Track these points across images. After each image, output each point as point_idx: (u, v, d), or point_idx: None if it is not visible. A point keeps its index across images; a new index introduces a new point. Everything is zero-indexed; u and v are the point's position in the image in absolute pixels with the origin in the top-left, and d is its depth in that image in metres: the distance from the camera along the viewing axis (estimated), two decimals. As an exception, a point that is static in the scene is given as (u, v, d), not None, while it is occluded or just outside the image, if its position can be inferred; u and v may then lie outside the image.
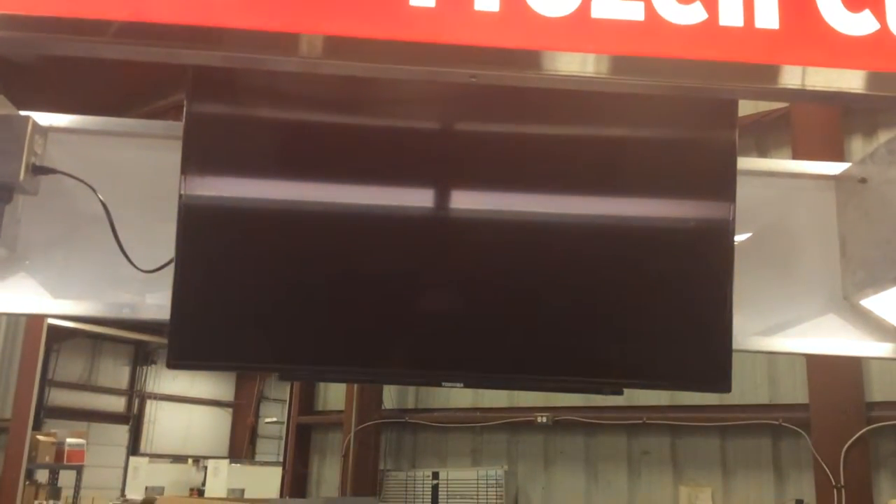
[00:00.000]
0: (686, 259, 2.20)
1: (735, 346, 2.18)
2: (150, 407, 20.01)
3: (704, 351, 2.14)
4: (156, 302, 2.25)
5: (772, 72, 1.53)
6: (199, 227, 2.12)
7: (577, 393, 2.29)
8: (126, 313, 2.26)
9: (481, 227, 2.20)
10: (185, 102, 2.16)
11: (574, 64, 1.54)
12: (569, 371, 2.13)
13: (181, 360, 2.11)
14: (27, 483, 10.28)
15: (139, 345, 19.42)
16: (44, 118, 2.26)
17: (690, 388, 2.26)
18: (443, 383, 2.18)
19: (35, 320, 10.05)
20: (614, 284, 2.19)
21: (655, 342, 2.16)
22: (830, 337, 2.37)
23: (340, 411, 9.15)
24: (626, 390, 7.03)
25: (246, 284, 2.15)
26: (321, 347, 2.15)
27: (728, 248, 2.16)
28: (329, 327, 2.16)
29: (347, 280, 2.18)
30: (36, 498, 10.53)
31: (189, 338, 2.10)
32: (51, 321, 10.27)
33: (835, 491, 6.15)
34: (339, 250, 2.19)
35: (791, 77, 1.53)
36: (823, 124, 6.70)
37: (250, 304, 2.14)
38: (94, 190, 2.19)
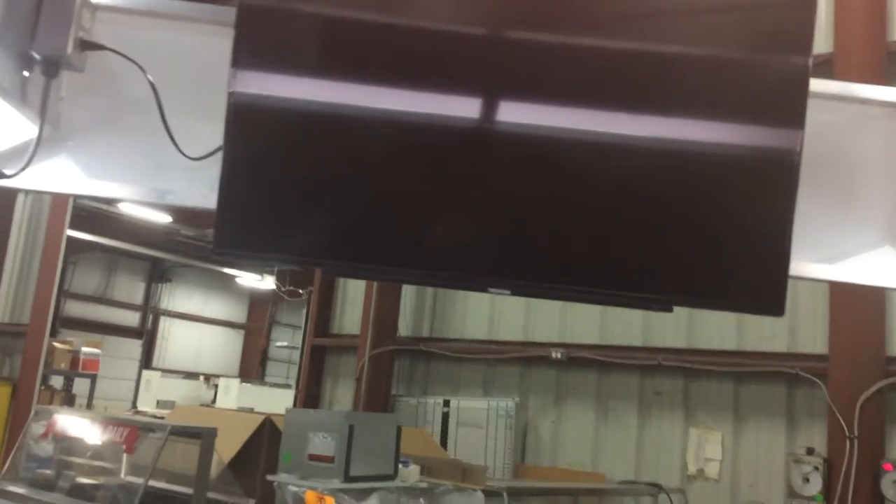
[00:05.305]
0: (748, 179, 2.11)
1: (790, 272, 2.11)
2: (164, 323, 20.26)
3: (760, 272, 2.07)
4: (200, 191, 2.20)
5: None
6: (248, 123, 2.06)
7: (626, 307, 2.24)
8: (170, 199, 2.21)
9: (532, 137, 2.13)
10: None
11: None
12: (618, 284, 2.07)
13: (226, 248, 2.07)
14: (42, 388, 10.45)
15: (155, 261, 19.55)
16: (92, -7, 2.17)
17: (742, 309, 2.20)
18: (489, 289, 2.13)
19: (55, 229, 10.09)
20: (669, 200, 2.12)
21: (709, 260, 2.10)
22: (888, 269, 2.30)
23: (355, 336, 9.22)
24: (642, 331, 7.04)
25: (293, 180, 2.09)
26: (364, 245, 2.10)
27: (793, 171, 2.08)
28: (373, 226, 2.11)
29: (393, 181, 2.12)
30: (51, 402, 10.71)
31: (234, 227, 2.05)
32: (70, 233, 10.31)
33: (847, 441, 6.18)
34: (386, 152, 2.12)
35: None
36: (866, 70, 6.54)
37: (296, 198, 2.09)
38: (142, 69, 2.12)
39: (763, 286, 2.07)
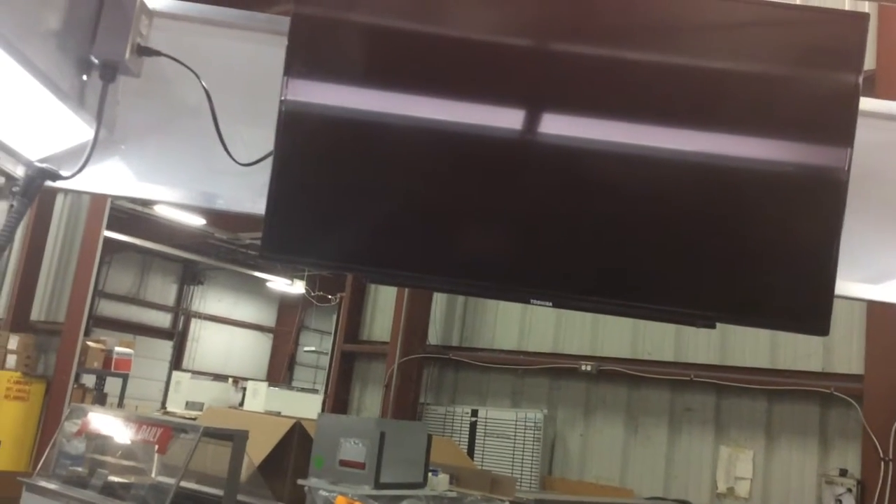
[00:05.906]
0: (795, 197, 2.11)
1: (836, 291, 2.10)
2: (195, 325, 20.44)
3: (806, 291, 2.06)
4: (249, 197, 2.23)
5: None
6: (298, 131, 2.09)
7: (669, 322, 2.23)
8: (220, 205, 2.25)
9: (576, 150, 2.13)
10: (293, 3, 2.11)
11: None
12: (663, 299, 2.07)
13: (272, 252, 2.11)
14: (75, 386, 10.58)
15: (188, 264, 19.75)
16: None
17: (787, 327, 2.18)
18: (531, 301, 2.14)
19: (92, 230, 10.24)
20: (716, 216, 2.12)
21: (755, 277, 2.09)
22: (936, 291, 2.28)
23: (385, 342, 9.24)
24: (674, 346, 6.96)
25: (340, 187, 2.12)
26: (407, 253, 2.12)
27: (841, 189, 2.07)
28: (417, 234, 2.13)
29: (438, 191, 2.14)
30: (83, 401, 10.83)
31: (281, 231, 2.09)
32: (106, 233, 10.45)
33: (882, 463, 6.08)
34: (432, 162, 2.15)
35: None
36: (911, 89, 6.46)
37: (343, 205, 2.11)
38: (197, 76, 2.16)
39: (808, 305, 2.06)
